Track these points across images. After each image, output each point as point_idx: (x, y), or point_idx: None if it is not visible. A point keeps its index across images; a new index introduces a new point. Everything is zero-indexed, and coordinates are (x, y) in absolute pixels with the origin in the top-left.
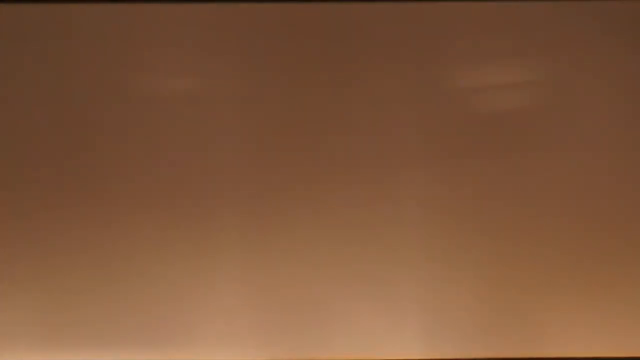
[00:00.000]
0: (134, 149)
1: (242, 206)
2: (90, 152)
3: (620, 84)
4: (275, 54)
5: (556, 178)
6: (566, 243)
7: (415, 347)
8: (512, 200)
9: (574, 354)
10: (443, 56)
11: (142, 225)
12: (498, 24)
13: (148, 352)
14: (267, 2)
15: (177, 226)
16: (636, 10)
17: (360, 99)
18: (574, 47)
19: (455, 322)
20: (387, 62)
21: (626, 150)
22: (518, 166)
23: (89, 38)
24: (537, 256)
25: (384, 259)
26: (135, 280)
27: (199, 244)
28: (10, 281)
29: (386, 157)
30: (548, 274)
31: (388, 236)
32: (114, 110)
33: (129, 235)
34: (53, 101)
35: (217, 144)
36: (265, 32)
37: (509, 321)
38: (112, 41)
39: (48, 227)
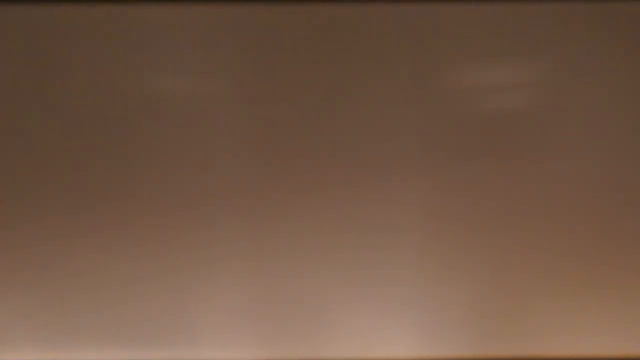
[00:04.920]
0: (135, 150)
1: (242, 206)
2: (91, 152)
3: (621, 85)
4: (275, 55)
5: (556, 179)
6: (566, 243)
7: (415, 347)
8: (512, 200)
9: (574, 354)
10: (442, 56)
11: (142, 225)
12: (498, 24)
13: (148, 351)
14: (267, 3)
15: (177, 226)
16: (636, 11)
17: (359, 99)
18: (574, 47)
19: (454, 322)
20: (387, 62)
21: (627, 151)
22: (518, 167)
23: (89, 39)
24: (536, 256)
25: (383, 259)
26: (135, 280)
27: (199, 244)
28: (11, 281)
29: (385, 158)
30: (548, 274)
31: (387, 236)
32: (113, 111)
33: (128, 235)
34: (53, 102)
35: (217, 145)
36: (265, 32)
37: (508, 321)
38: (112, 42)
39: (48, 228)
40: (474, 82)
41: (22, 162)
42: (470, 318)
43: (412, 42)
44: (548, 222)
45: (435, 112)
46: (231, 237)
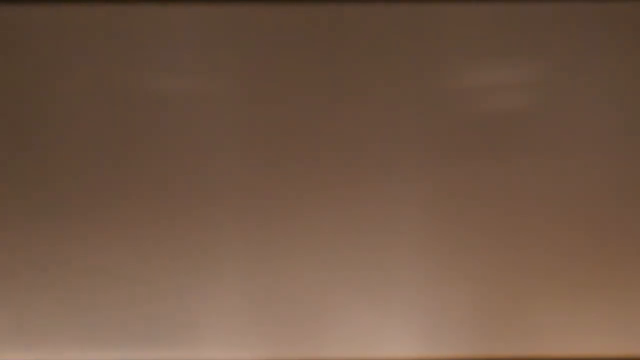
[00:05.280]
0: (136, 151)
1: (243, 205)
2: (91, 153)
3: (621, 85)
4: (275, 55)
5: (556, 179)
6: (565, 244)
7: (415, 347)
8: (512, 200)
9: (574, 354)
10: (442, 56)
11: (142, 224)
12: (498, 24)
13: (148, 351)
14: (267, 3)
15: (178, 225)
16: (636, 12)
17: (359, 99)
18: (574, 47)
19: (454, 322)
20: (387, 62)
21: (625, 152)
22: (516, 167)
23: (89, 39)
24: (536, 256)
25: (383, 259)
26: (135, 280)
27: (200, 243)
28: (12, 282)
29: (385, 158)
30: (548, 274)
31: (387, 237)
32: (113, 111)
33: (128, 236)
34: (53, 102)
35: (218, 144)
36: (264, 32)
37: (508, 321)
38: (112, 42)
39: (48, 229)
40: (474, 82)
41: (22, 162)
42: (470, 318)
43: (412, 42)
44: (548, 222)
45: (435, 112)
46: (231, 238)
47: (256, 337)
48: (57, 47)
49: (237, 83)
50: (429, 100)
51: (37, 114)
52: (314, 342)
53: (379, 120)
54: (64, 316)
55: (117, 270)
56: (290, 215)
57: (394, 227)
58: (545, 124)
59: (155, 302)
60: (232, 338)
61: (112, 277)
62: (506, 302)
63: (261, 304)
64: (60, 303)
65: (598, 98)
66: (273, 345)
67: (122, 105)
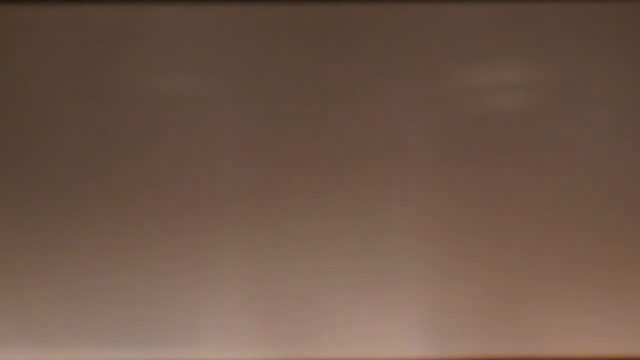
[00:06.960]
0: (136, 151)
1: (243, 205)
2: (90, 154)
3: (621, 85)
4: (275, 55)
5: (556, 179)
6: (565, 244)
7: (415, 347)
8: (511, 201)
9: (574, 354)
10: (442, 56)
11: (142, 223)
12: (498, 24)
13: (148, 351)
14: (267, 3)
15: (177, 225)
16: (636, 11)
17: (359, 99)
18: (574, 47)
19: (454, 323)
20: (387, 62)
21: (626, 152)
22: (515, 167)
23: (89, 39)
24: (536, 257)
25: (384, 260)
26: (135, 278)
27: (200, 243)
28: (13, 283)
29: (385, 159)
30: (548, 274)
31: (388, 237)
32: (113, 112)
33: (128, 233)
34: (53, 103)
35: (217, 144)
36: (265, 33)
37: (508, 321)
38: (112, 42)
39: (49, 230)
40: (474, 82)
41: (23, 163)
42: (470, 318)
43: (412, 42)
44: (548, 222)
45: (435, 113)
46: (231, 238)
47: (256, 337)
48: (57, 47)
49: (237, 83)
50: (429, 101)
51: (37, 114)
52: (314, 342)
53: (379, 121)
54: (65, 316)
55: (117, 271)
56: (290, 215)
57: (395, 228)
58: (546, 124)
59: (155, 302)
60: (232, 338)
61: (112, 277)
62: (506, 302)
63: (261, 304)
64: (61, 303)
65: (598, 98)
66: (273, 345)
67: (122, 106)
